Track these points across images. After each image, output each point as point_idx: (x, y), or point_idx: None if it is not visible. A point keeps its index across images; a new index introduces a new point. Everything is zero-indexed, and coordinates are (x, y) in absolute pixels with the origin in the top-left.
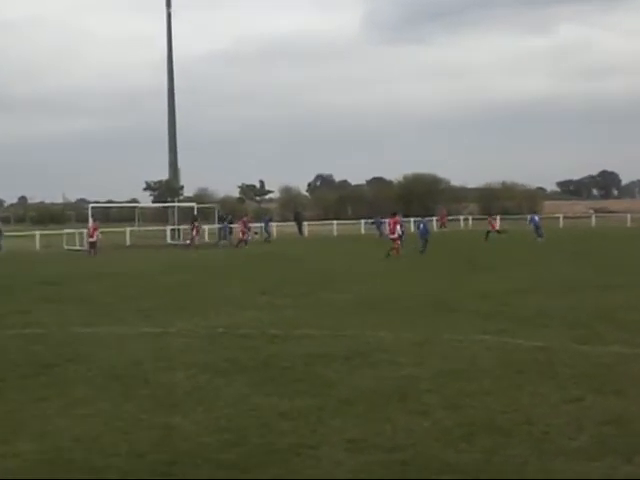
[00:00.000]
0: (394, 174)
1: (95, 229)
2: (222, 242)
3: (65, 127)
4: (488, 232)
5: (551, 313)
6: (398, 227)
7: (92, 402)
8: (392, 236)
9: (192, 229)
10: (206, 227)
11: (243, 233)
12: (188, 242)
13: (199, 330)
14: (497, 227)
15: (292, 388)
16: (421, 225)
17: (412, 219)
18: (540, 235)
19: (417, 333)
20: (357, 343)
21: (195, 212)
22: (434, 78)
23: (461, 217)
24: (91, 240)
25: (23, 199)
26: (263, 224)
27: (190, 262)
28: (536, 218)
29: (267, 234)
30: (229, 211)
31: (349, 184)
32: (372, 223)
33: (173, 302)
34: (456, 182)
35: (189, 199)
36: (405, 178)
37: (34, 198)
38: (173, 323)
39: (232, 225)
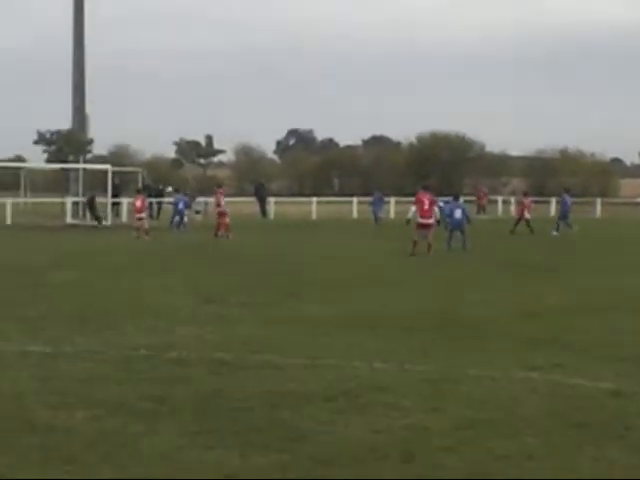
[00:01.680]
0: (403, 132)
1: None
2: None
3: None
4: (518, 220)
5: (628, 342)
6: (436, 209)
7: None
8: (426, 220)
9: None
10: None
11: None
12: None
13: (109, 351)
14: (528, 215)
15: (246, 440)
16: (457, 210)
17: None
18: (565, 225)
19: (430, 365)
20: (342, 377)
21: (109, 176)
22: None
23: (499, 198)
24: None
25: None
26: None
27: (99, 252)
28: (567, 200)
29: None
30: (159, 178)
31: (336, 145)
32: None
33: (72, 310)
34: (494, 147)
35: (101, 159)
36: (419, 139)
37: None
38: (71, 340)
39: (163, 199)
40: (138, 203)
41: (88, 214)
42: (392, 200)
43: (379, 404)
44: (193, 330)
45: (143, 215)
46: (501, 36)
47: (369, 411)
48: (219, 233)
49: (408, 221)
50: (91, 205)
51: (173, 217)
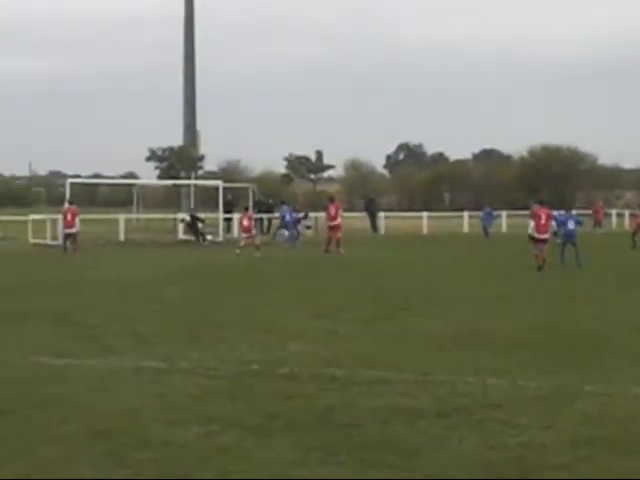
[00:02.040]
0: (514, 146)
1: (73, 215)
2: (290, 237)
3: (28, 69)
4: (634, 234)
5: None
6: (553, 223)
7: (64, 469)
8: (542, 235)
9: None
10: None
11: (335, 228)
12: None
13: (222, 367)
14: None
15: (359, 456)
16: (570, 221)
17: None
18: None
19: (544, 381)
20: (455, 393)
21: (220, 192)
22: (586, 5)
23: (613, 211)
24: (69, 231)
25: None
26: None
27: (211, 268)
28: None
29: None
30: (270, 193)
31: (446, 159)
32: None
33: (185, 325)
34: (606, 160)
35: (212, 174)
36: (531, 152)
37: None
38: (185, 355)
39: (274, 215)
40: (245, 222)
41: (190, 232)
42: (503, 214)
43: (493, 420)
44: (305, 346)
45: (252, 233)
46: (614, 49)
47: (483, 427)
48: (329, 248)
49: (530, 237)
50: (192, 223)
51: (278, 229)
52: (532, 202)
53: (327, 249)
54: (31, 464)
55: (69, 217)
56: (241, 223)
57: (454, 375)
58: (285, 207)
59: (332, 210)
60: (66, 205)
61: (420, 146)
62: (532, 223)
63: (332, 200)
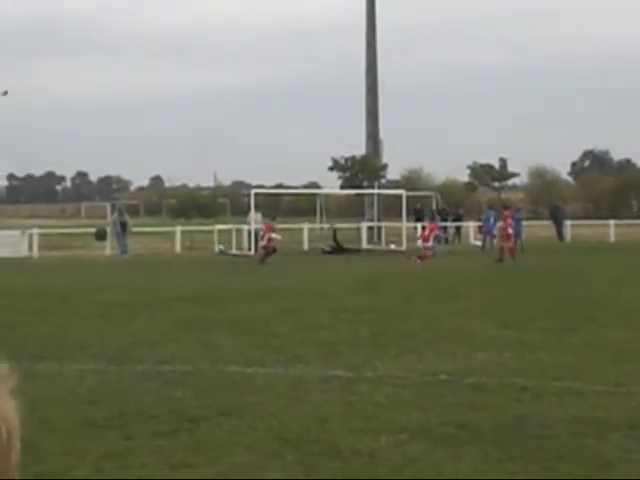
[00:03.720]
0: None
1: (269, 229)
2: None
3: (211, 80)
4: None
5: None
6: None
7: (256, 475)
8: None
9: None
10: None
11: (507, 237)
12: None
13: (411, 376)
14: None
15: (550, 468)
16: None
17: None
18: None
19: None
20: None
21: (404, 201)
22: None
23: None
24: (265, 244)
25: (157, 181)
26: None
27: (393, 277)
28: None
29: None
30: (455, 202)
31: (634, 166)
32: None
33: (372, 335)
34: None
35: (394, 183)
36: None
37: (173, 180)
38: (372, 365)
39: (462, 223)
40: (426, 232)
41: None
42: None
43: None
44: (492, 355)
45: (428, 245)
46: None
47: None
48: (504, 257)
49: None
50: (334, 235)
51: (485, 236)
52: None
53: (501, 258)
54: (222, 471)
55: (265, 230)
56: (422, 234)
57: None
58: (490, 211)
59: (508, 220)
60: (252, 214)
61: (606, 152)
62: None
63: (506, 208)
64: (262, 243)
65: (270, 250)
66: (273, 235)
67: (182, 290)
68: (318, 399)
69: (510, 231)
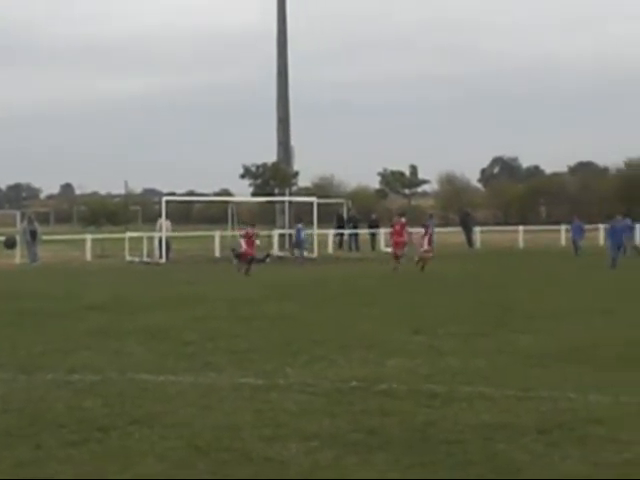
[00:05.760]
0: (611, 158)
1: (247, 236)
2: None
3: (124, 87)
4: None
5: None
6: None
7: None
8: None
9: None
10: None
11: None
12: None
13: (321, 383)
14: None
15: (460, 474)
16: None
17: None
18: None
19: None
20: (556, 410)
21: (315, 208)
22: None
23: None
24: (242, 251)
25: (68, 189)
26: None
27: (307, 284)
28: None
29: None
30: (366, 209)
31: (542, 172)
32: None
33: (283, 342)
34: None
35: (306, 191)
36: (628, 164)
37: (84, 187)
38: (283, 372)
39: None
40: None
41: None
42: (601, 227)
43: (595, 437)
44: (403, 361)
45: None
46: None
47: (585, 444)
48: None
49: None
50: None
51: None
52: None
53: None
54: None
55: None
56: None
57: (555, 391)
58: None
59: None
60: (162, 221)
61: (515, 159)
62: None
63: (402, 215)
64: (240, 250)
65: (249, 258)
66: (243, 242)
67: (93, 298)
68: (229, 407)
69: (402, 238)
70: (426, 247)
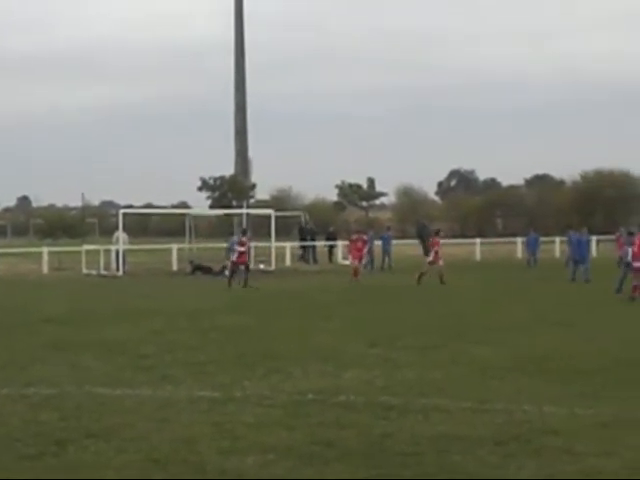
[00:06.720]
0: (567, 171)
1: (241, 245)
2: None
3: (80, 99)
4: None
5: None
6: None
7: None
8: (637, 263)
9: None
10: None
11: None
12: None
13: (278, 396)
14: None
15: None
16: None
17: (594, 237)
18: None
19: (602, 409)
20: (512, 421)
21: (272, 221)
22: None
23: None
24: (234, 260)
25: (25, 201)
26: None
27: (265, 296)
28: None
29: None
30: (323, 221)
31: (499, 185)
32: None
33: (241, 354)
34: None
35: (264, 203)
36: (584, 177)
37: (40, 200)
38: (240, 385)
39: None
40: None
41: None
42: (557, 240)
43: (551, 448)
44: (360, 374)
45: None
46: None
47: (541, 455)
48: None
49: (627, 264)
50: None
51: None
52: (624, 229)
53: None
54: None
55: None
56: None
57: (511, 403)
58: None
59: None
60: (120, 234)
61: (472, 172)
62: (630, 249)
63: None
64: (232, 259)
65: (238, 266)
66: (241, 249)
67: (49, 311)
68: (187, 420)
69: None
70: (431, 258)
